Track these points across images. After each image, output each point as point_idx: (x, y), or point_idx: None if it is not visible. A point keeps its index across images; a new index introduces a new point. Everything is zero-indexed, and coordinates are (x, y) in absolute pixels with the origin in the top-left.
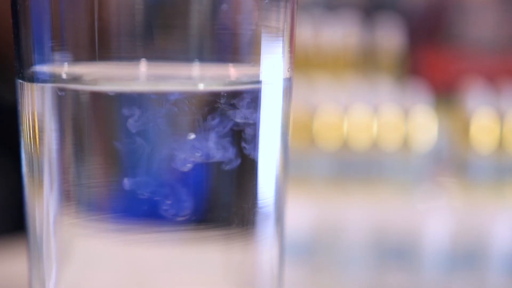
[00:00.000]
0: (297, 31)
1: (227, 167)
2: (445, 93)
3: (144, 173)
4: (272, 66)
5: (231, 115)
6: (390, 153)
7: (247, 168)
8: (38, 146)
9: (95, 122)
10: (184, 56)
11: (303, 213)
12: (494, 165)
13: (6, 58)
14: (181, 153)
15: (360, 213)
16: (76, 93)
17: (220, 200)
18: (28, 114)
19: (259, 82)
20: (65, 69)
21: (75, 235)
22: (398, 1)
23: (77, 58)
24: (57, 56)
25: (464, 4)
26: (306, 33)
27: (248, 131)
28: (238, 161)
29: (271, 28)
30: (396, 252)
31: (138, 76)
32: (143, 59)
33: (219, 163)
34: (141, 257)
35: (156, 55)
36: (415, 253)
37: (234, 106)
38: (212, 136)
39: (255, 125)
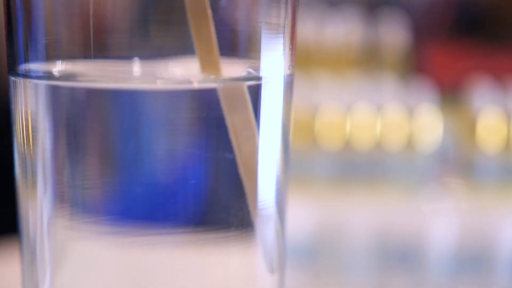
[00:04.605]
0: (298, 28)
1: (226, 167)
2: (450, 92)
3: (140, 174)
4: (272, 63)
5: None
6: (394, 153)
7: None
8: (31, 146)
9: (90, 120)
10: (182, 53)
11: (305, 215)
12: (501, 165)
13: None
14: (178, 153)
15: (363, 215)
16: (71, 90)
17: (219, 202)
18: (21, 112)
19: (259, 79)
20: (59, 66)
21: (70, 237)
22: None
23: (72, 54)
24: (51, 52)
25: None
26: (307, 29)
27: None
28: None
29: (271, 24)
30: (400, 255)
31: (134, 74)
32: (139, 56)
33: (218, 163)
34: (138, 260)
35: (152, 52)
36: (420, 255)
37: None
38: (211, 135)
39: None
